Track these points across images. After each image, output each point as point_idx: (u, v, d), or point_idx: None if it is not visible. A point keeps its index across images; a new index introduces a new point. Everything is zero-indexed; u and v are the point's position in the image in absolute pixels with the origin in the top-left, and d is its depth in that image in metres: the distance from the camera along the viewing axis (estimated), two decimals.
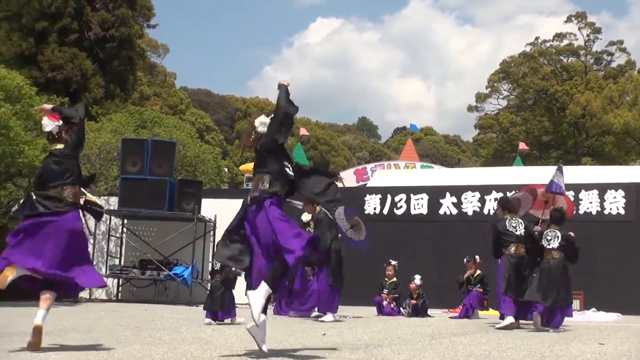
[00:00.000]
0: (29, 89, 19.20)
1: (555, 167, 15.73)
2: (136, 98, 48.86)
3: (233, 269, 12.07)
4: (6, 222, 19.85)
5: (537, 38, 65.99)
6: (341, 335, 10.31)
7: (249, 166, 64.54)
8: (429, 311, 18.81)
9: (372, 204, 22.24)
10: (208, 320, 13.03)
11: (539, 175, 22.67)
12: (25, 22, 39.71)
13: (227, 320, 13.27)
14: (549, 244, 13.13)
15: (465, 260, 18.29)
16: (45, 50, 39.65)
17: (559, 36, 63.65)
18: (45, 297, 7.73)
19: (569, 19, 62.75)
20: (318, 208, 14.84)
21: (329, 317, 14.26)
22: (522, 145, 49.65)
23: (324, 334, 10.53)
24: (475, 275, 18.17)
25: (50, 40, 39.95)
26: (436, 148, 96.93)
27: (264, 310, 7.27)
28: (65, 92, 37.20)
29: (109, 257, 21.94)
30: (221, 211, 21.79)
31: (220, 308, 13.28)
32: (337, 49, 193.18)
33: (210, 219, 22.06)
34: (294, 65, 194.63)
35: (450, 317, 18.14)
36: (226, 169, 52.78)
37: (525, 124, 64.02)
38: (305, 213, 15.59)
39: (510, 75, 65.35)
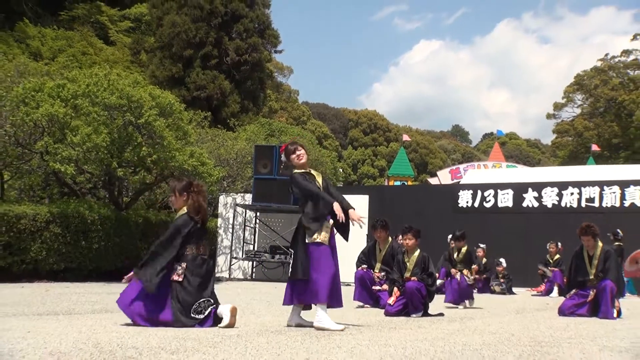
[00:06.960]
0: (179, 105, 19.54)
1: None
2: (266, 112, 49.41)
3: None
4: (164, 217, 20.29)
5: (606, 54, 64.54)
6: (440, 309, 10.22)
7: None
8: (514, 289, 18.76)
9: (464, 198, 22.05)
10: None
11: (609, 172, 22.22)
12: (175, 50, 40.69)
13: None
14: None
15: (548, 245, 18.21)
16: (191, 73, 40.56)
17: (626, 52, 61.88)
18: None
19: (635, 37, 60.82)
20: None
21: None
22: (595, 147, 48.57)
23: None
24: (555, 258, 18.05)
25: (195, 65, 40.84)
26: (519, 150, 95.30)
27: None
28: (208, 107, 38.06)
29: (244, 244, 22.23)
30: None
31: None
32: (436, 66, 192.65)
33: None
34: (399, 81, 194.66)
35: (533, 295, 17.96)
36: (341, 170, 52.93)
37: (597, 129, 62.20)
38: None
39: (584, 87, 63.98)
